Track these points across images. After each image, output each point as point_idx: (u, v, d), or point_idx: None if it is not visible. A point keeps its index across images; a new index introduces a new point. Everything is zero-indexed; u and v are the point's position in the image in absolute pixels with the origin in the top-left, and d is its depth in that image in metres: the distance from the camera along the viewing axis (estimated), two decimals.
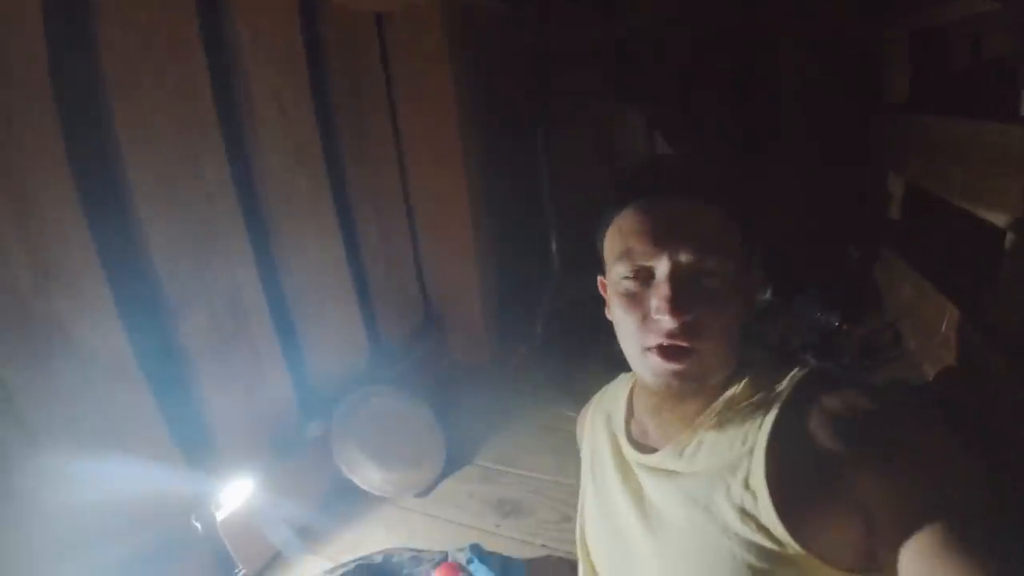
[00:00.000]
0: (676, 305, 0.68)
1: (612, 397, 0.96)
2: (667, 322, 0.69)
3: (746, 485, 0.67)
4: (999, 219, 1.44)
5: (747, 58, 2.42)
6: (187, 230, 1.16)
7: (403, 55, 1.88)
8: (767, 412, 0.70)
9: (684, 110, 2.36)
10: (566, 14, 2.37)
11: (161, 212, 1.11)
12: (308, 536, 1.41)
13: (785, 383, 0.73)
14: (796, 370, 0.74)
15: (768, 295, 2.18)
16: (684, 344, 0.70)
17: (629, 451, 0.84)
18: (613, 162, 2.31)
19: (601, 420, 0.94)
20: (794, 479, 0.65)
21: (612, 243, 0.77)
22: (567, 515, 1.39)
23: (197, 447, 1.24)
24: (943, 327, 1.70)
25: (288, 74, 1.44)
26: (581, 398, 1.09)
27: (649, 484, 0.79)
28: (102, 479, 1.00)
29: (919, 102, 2.26)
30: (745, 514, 0.66)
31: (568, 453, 1.15)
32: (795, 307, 2.21)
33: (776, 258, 2.21)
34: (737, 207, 0.73)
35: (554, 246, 2.26)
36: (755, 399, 0.73)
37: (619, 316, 0.75)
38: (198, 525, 1.18)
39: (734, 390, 0.75)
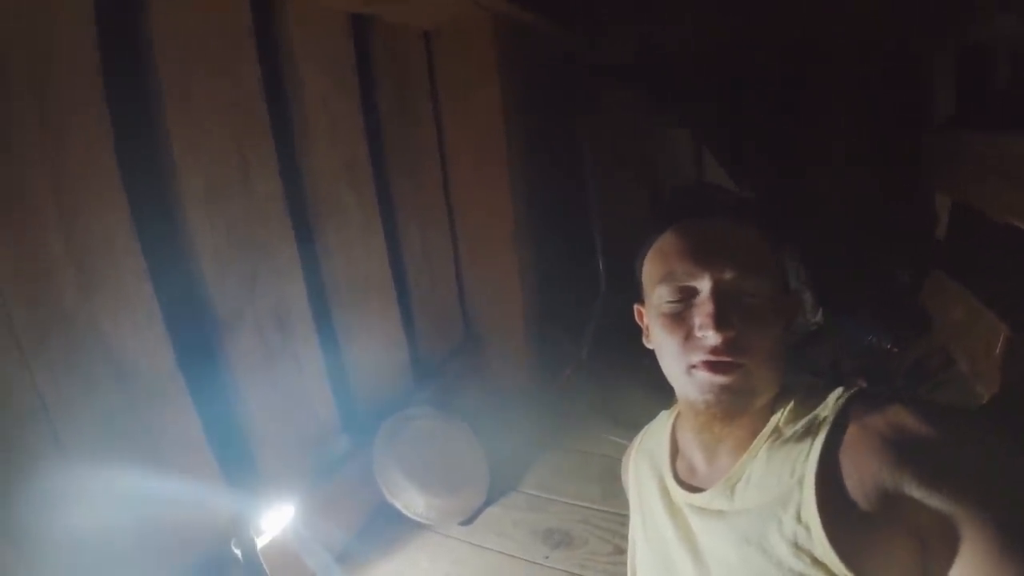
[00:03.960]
0: (720, 321, 0.68)
1: (654, 437, 0.93)
2: (712, 338, 0.69)
3: (798, 518, 0.65)
4: None
5: (796, 73, 2.35)
6: (236, 242, 1.11)
7: (450, 71, 1.83)
8: (814, 440, 0.68)
9: (731, 125, 2.29)
10: (611, 29, 2.33)
11: (211, 223, 1.06)
12: (349, 564, 1.33)
13: (829, 407, 0.70)
14: (839, 393, 0.72)
15: (818, 318, 2.10)
16: (729, 359, 0.69)
17: (677, 492, 0.81)
18: (658, 179, 2.24)
19: (645, 462, 0.91)
20: (846, 508, 0.62)
21: (653, 266, 0.77)
22: (619, 547, 1.30)
23: (238, 468, 1.17)
24: (997, 348, 1.63)
25: (339, 86, 1.39)
26: (626, 424, 1.03)
27: (700, 526, 0.77)
28: (140, 499, 0.94)
29: (965, 119, 2.19)
30: (799, 548, 0.64)
31: (615, 481, 1.08)
32: (846, 331, 2.12)
33: (826, 281, 2.15)
34: (774, 230, 0.74)
35: (600, 265, 2.18)
36: (800, 426, 0.71)
37: (662, 338, 0.75)
38: (238, 552, 1.10)
39: (779, 417, 0.73)
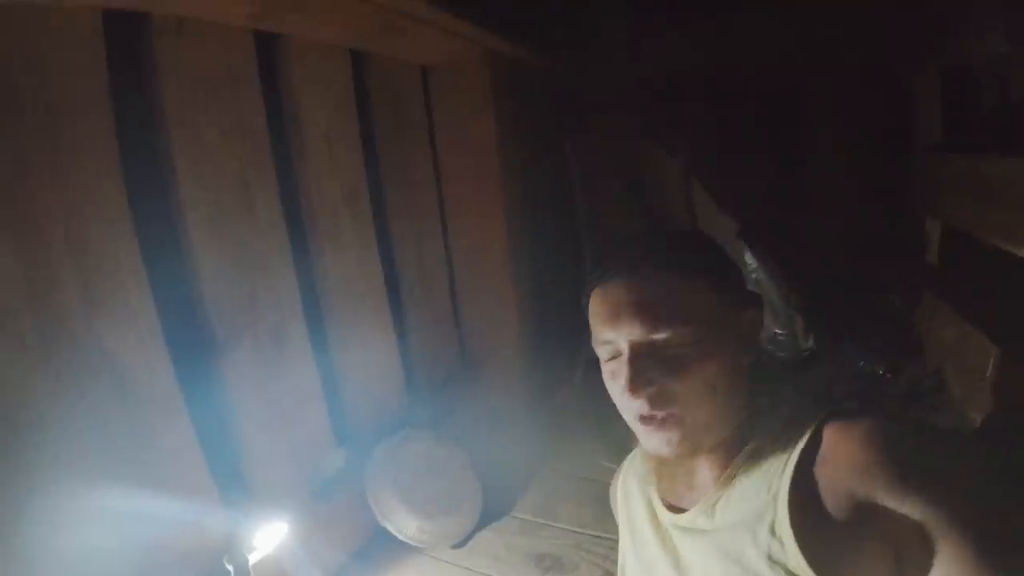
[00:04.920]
0: (634, 385, 0.70)
1: (642, 460, 0.93)
2: (631, 399, 0.71)
3: (772, 532, 0.67)
4: None
5: (779, 99, 2.39)
6: (237, 263, 1.14)
7: (446, 105, 1.89)
8: (789, 456, 0.69)
9: (718, 152, 2.33)
10: (599, 61, 2.38)
11: (213, 245, 1.10)
12: None
13: (805, 424, 0.71)
14: (815, 409, 0.73)
15: (810, 344, 2.11)
16: (660, 414, 0.71)
17: (663, 513, 0.83)
18: (649, 203, 2.28)
19: (634, 484, 0.92)
20: (819, 521, 0.65)
21: (591, 323, 0.79)
22: (610, 571, 1.31)
23: (233, 486, 1.19)
24: (988, 371, 1.63)
25: (338, 118, 1.44)
26: (620, 448, 1.04)
27: (684, 545, 0.79)
28: (135, 515, 0.96)
29: (952, 142, 2.21)
30: (773, 561, 0.65)
31: (607, 506, 1.08)
32: (838, 355, 2.13)
33: (818, 306, 2.17)
34: (698, 272, 0.73)
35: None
36: (777, 443, 0.72)
37: (608, 388, 0.77)
38: (230, 568, 1.11)
39: (756, 441, 0.74)
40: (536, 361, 2.13)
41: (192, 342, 1.10)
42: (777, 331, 2.12)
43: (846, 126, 2.38)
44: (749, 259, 1.99)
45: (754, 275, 2.00)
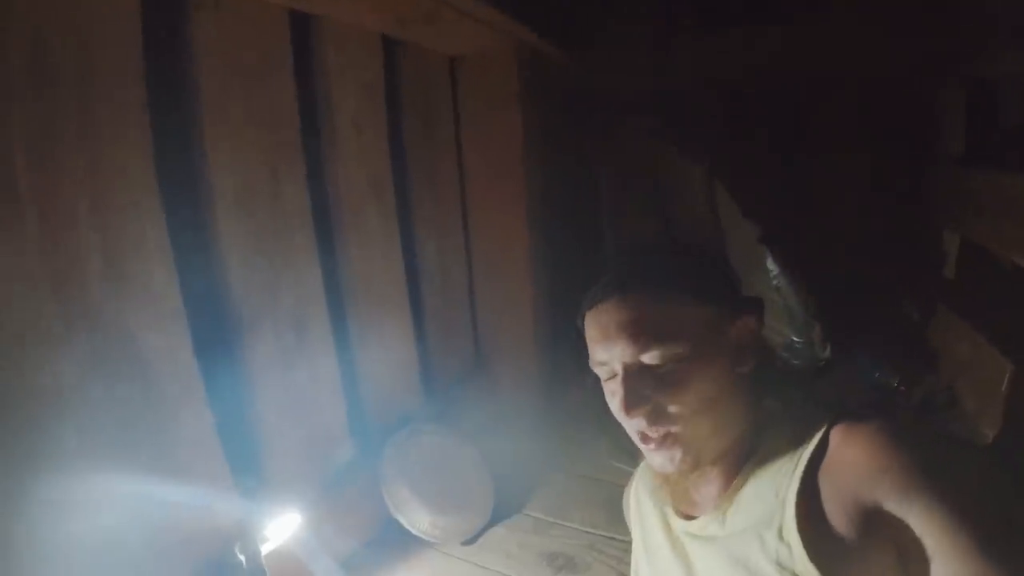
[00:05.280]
0: (629, 406, 0.71)
1: (652, 472, 0.92)
2: (627, 419, 0.73)
3: (780, 537, 0.67)
4: None
5: (804, 106, 2.37)
6: (262, 249, 1.12)
7: (473, 98, 1.87)
8: (797, 462, 0.70)
9: (742, 158, 2.31)
10: (625, 63, 2.36)
11: (239, 231, 1.08)
12: (353, 575, 1.32)
13: (812, 429, 0.71)
14: (822, 414, 0.73)
15: (826, 354, 2.09)
16: (658, 432, 0.73)
17: (675, 520, 0.84)
18: (671, 206, 2.26)
19: (646, 491, 0.93)
20: (826, 525, 0.65)
21: (587, 342, 0.80)
22: (623, 573, 1.29)
23: (248, 474, 1.17)
24: (1003, 386, 1.61)
25: (368, 105, 1.42)
26: (632, 450, 1.03)
27: (696, 551, 0.80)
28: (150, 500, 0.94)
29: (972, 157, 2.19)
30: (782, 566, 0.66)
31: (620, 507, 1.09)
32: (853, 366, 2.11)
33: (835, 317, 2.14)
34: (689, 290, 0.73)
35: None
36: (784, 449, 0.73)
37: (610, 407, 0.77)
38: (242, 557, 1.10)
39: (764, 447, 0.75)
40: (550, 361, 2.10)
41: (214, 328, 1.08)
42: (794, 338, 2.09)
43: (870, 135, 2.35)
44: (770, 264, 1.97)
45: (775, 281, 1.97)
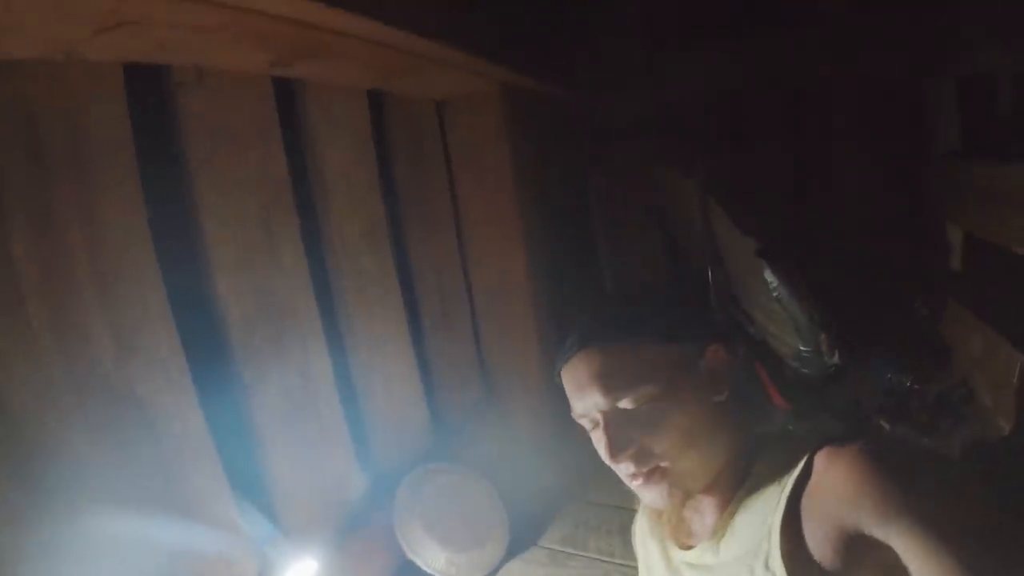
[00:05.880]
0: (612, 451, 0.74)
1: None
2: (615, 464, 0.76)
3: (767, 566, 0.68)
4: None
5: (799, 113, 2.39)
6: (263, 307, 1.16)
7: (463, 139, 1.91)
8: (783, 489, 0.71)
9: (738, 172, 2.33)
10: (614, 87, 2.40)
11: (239, 291, 1.12)
12: None
13: (799, 455, 0.72)
14: (808, 440, 0.74)
15: (835, 359, 2.08)
16: (645, 469, 0.74)
17: (674, 550, 0.86)
18: (668, 228, 2.28)
19: (648, 524, 0.95)
20: (811, 552, 0.66)
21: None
22: None
23: (262, 524, 1.19)
24: (1015, 378, 1.62)
25: (357, 157, 1.47)
26: None
27: None
28: (166, 554, 0.97)
29: (970, 150, 2.21)
30: None
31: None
32: (864, 369, 2.10)
33: (843, 320, 2.14)
34: (645, 332, 0.76)
35: None
36: (774, 477, 0.74)
37: (599, 454, 0.79)
38: None
39: (754, 475, 0.76)
40: (561, 394, 2.11)
41: (220, 385, 1.12)
42: (802, 348, 2.09)
43: (867, 137, 2.39)
44: (769, 277, 1.98)
45: (775, 293, 1.98)
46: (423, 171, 1.81)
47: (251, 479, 1.19)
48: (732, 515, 0.76)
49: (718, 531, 0.77)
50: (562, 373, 0.81)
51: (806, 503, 0.68)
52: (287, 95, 1.29)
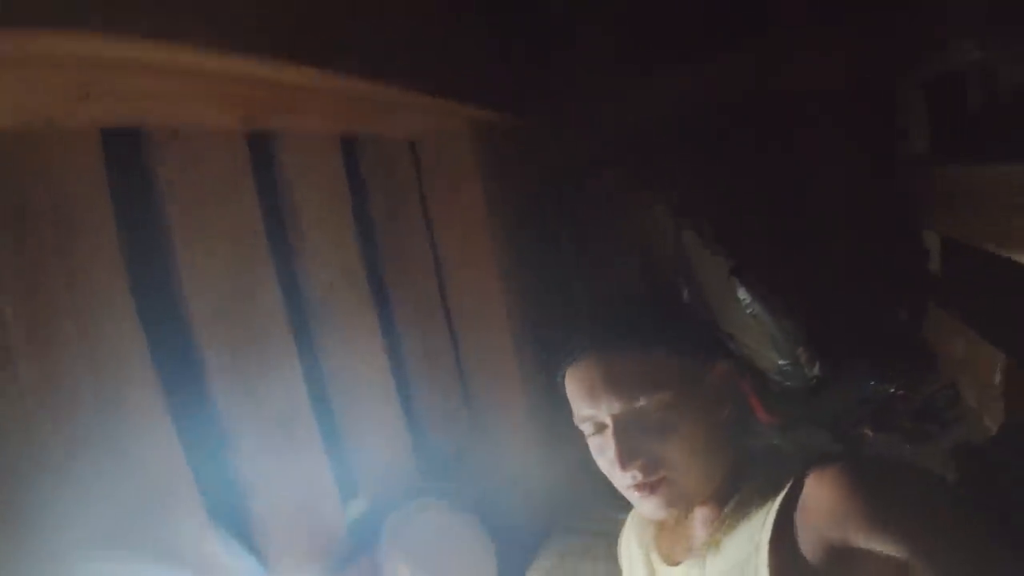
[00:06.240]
0: (623, 459, 0.75)
1: (640, 519, 1.01)
2: (621, 472, 0.76)
3: None
4: None
5: (767, 127, 2.48)
6: (242, 357, 1.21)
7: (436, 177, 1.99)
8: (771, 506, 0.74)
9: (705, 190, 2.41)
10: (584, 116, 2.49)
11: (218, 339, 1.17)
12: None
13: (787, 473, 0.76)
14: (797, 457, 0.79)
15: (816, 372, 2.14)
16: (651, 479, 0.76)
17: (660, 567, 0.89)
18: (644, 252, 2.35)
19: (635, 541, 0.98)
20: (798, 569, 0.68)
21: (569, 400, 0.85)
22: None
23: (249, 571, 1.23)
24: (997, 379, 1.68)
25: (332, 202, 1.54)
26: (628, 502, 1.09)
27: None
28: None
29: (941, 151, 2.29)
30: None
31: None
32: (848, 379, 2.18)
33: (822, 332, 2.20)
34: (667, 340, 0.78)
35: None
36: (761, 494, 0.77)
37: (597, 462, 0.83)
38: None
39: (741, 494, 0.79)
40: (545, 422, 2.17)
41: (203, 429, 1.17)
42: (781, 362, 2.16)
43: (836, 146, 2.48)
44: (742, 295, 2.05)
45: (749, 310, 2.05)
46: (399, 210, 1.88)
47: (236, 526, 1.23)
48: (720, 531, 0.79)
49: (706, 546, 0.80)
50: (570, 374, 0.82)
51: (794, 521, 0.71)
52: (261, 144, 1.36)
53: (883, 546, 0.63)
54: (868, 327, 2.38)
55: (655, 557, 0.90)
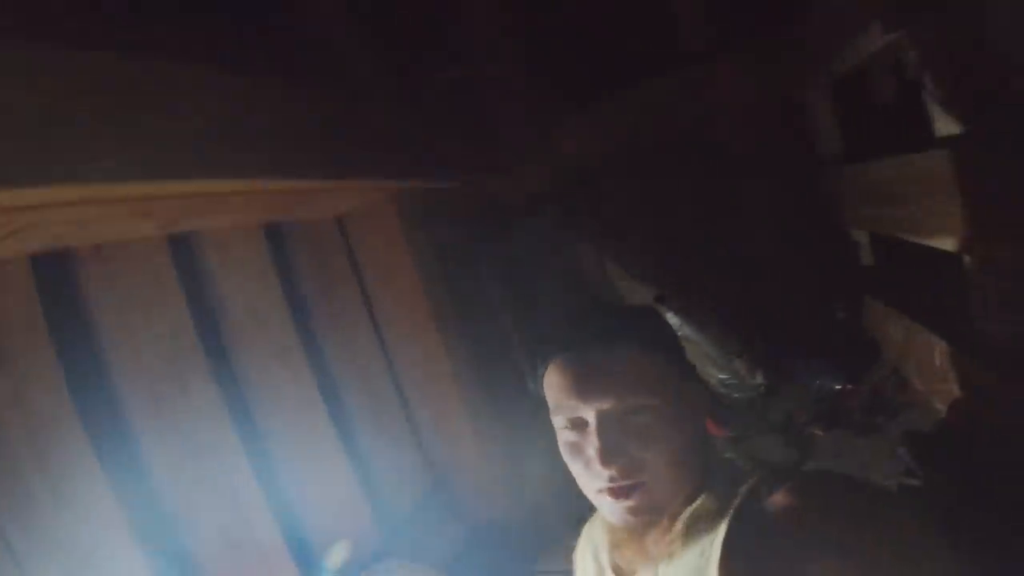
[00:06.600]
0: (606, 457, 0.75)
1: (598, 527, 1.01)
2: (603, 471, 0.77)
3: None
4: (948, 245, 1.56)
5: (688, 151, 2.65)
6: (185, 450, 1.31)
7: (366, 247, 2.12)
8: (722, 521, 0.75)
9: (627, 222, 2.56)
10: (505, 167, 2.65)
11: (159, 438, 1.27)
12: None
13: (740, 492, 0.77)
14: (749, 476, 0.80)
15: (759, 379, 2.26)
16: (627, 483, 0.77)
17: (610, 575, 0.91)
18: (574, 292, 2.48)
19: (589, 552, 1.00)
20: None
21: (547, 394, 0.85)
22: None
23: None
24: (936, 362, 1.79)
25: (260, 288, 1.65)
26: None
27: None
28: None
29: (854, 149, 2.45)
30: None
31: None
32: (793, 381, 2.30)
33: (761, 338, 2.32)
34: (656, 344, 0.81)
35: (531, 389, 2.38)
36: (714, 508, 0.78)
37: (567, 461, 0.83)
38: None
39: (695, 506, 0.79)
40: (502, 466, 2.27)
41: (158, 527, 1.26)
42: (722, 376, 2.28)
43: (758, 158, 2.66)
44: (672, 319, 2.18)
45: (681, 332, 2.18)
46: (332, 284, 2.00)
47: None
48: (672, 545, 0.79)
49: (656, 561, 0.81)
50: (558, 365, 0.81)
51: (746, 539, 0.72)
52: (185, 244, 1.48)
53: (830, 563, 0.64)
54: (809, 327, 2.51)
55: (608, 569, 0.91)
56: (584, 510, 1.81)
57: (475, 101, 2.68)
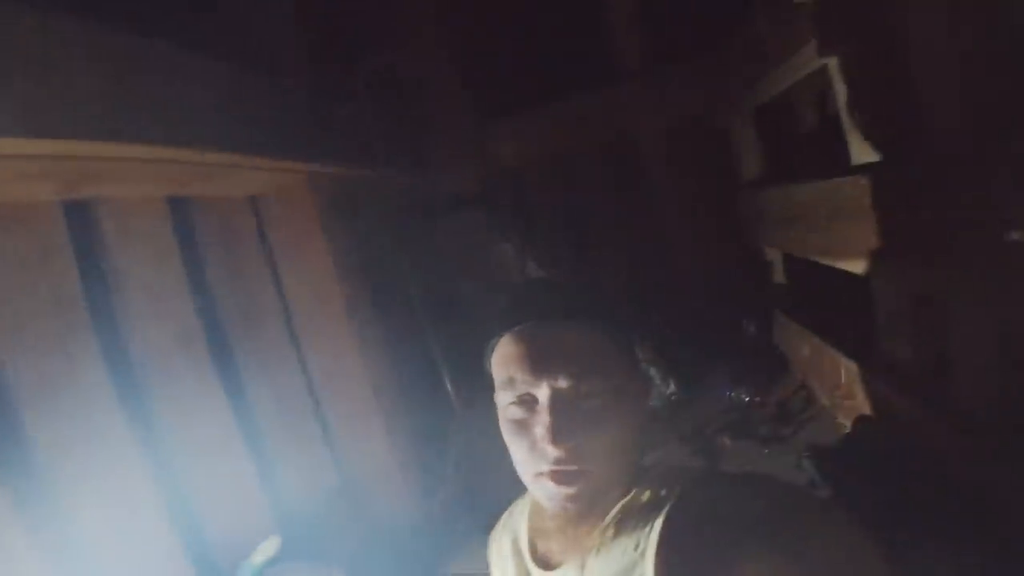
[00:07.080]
0: (557, 435, 0.73)
1: (518, 516, 0.99)
2: (551, 451, 0.74)
3: None
4: (856, 268, 1.64)
5: (616, 165, 2.74)
6: (73, 436, 1.26)
7: (280, 231, 2.08)
8: (658, 514, 0.74)
9: (553, 227, 2.62)
10: (440, 164, 2.67)
11: (47, 422, 1.22)
12: None
13: (676, 485, 0.77)
14: (687, 472, 0.80)
15: (672, 389, 2.34)
16: (572, 468, 0.75)
17: (535, 571, 0.88)
18: (490, 283, 2.52)
19: (508, 541, 0.97)
20: None
21: (496, 370, 0.81)
22: None
23: None
24: (842, 378, 1.90)
25: (160, 267, 1.59)
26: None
27: None
28: None
29: (773, 173, 2.61)
30: None
31: None
32: (704, 392, 2.41)
33: (675, 350, 2.40)
34: (614, 326, 0.78)
35: (449, 388, 2.40)
36: (648, 501, 0.77)
37: (509, 441, 0.80)
38: None
39: (628, 499, 0.79)
40: (413, 467, 2.27)
41: (41, 511, 1.20)
42: None
43: (679, 177, 2.81)
44: None
45: None
46: (242, 268, 1.94)
47: None
48: (601, 536, 0.78)
49: (584, 552, 0.80)
50: (513, 336, 0.79)
51: (682, 532, 0.72)
52: (81, 212, 1.41)
53: (765, 557, 0.65)
54: (722, 340, 2.63)
55: (529, 561, 0.89)
56: (495, 517, 1.87)
57: (406, 98, 2.69)
